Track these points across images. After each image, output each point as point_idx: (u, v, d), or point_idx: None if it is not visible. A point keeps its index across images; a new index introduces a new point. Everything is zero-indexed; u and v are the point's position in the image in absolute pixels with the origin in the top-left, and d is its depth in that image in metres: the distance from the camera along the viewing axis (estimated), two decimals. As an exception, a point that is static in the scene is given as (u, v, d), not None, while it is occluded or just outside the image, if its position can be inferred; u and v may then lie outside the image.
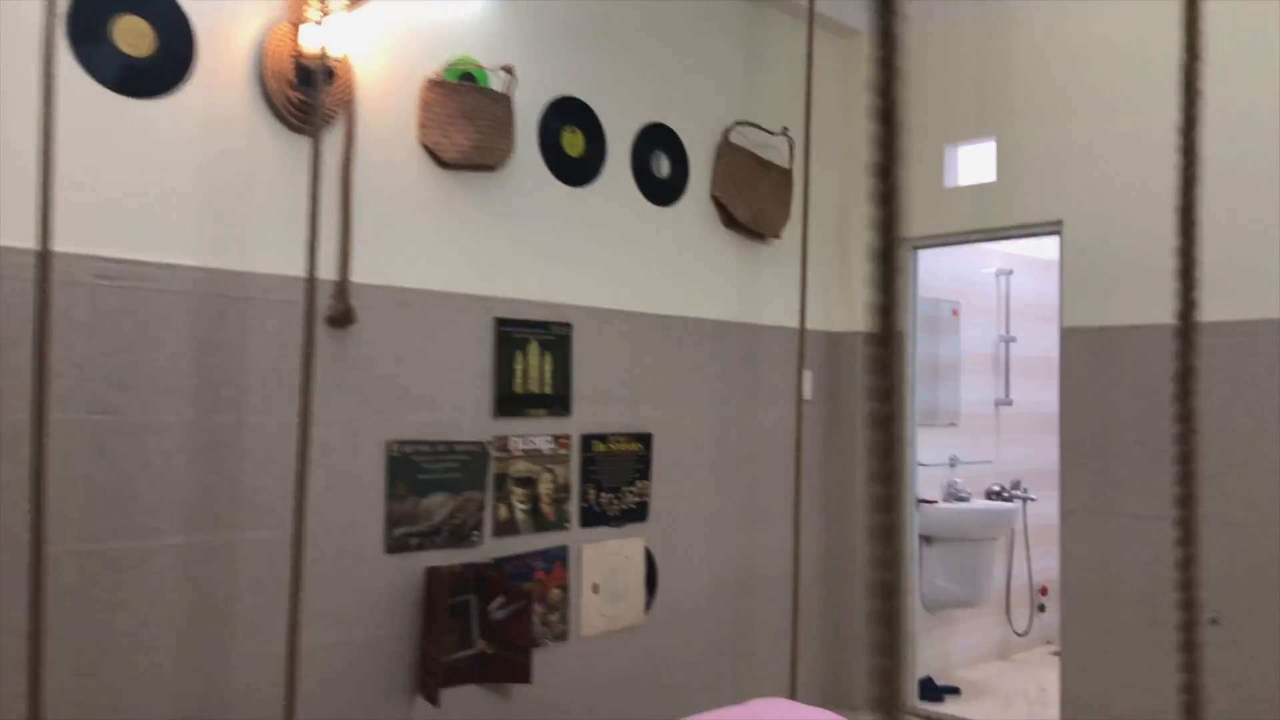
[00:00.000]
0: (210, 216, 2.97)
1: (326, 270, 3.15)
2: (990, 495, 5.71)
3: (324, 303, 3.15)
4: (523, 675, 3.60)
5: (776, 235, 4.67)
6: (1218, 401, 3.98)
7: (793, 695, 4.12)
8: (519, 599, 3.59)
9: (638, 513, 4.08)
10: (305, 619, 3.08)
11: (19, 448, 2.58)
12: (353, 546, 3.24)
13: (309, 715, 3.13)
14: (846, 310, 5.04)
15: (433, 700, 3.35)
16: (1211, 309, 3.97)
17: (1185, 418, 0.93)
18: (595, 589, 3.92)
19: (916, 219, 4.81)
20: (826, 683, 4.89)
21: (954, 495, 5.46)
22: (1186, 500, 0.98)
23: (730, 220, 4.50)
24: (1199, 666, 0.91)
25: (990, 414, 5.78)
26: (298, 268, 2.89)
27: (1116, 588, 4.19)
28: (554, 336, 3.80)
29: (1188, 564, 0.94)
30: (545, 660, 3.73)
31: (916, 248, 4.94)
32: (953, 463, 5.51)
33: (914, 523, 4.92)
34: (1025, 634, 5.97)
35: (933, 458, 5.38)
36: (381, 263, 3.32)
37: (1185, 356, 0.95)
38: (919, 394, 5.21)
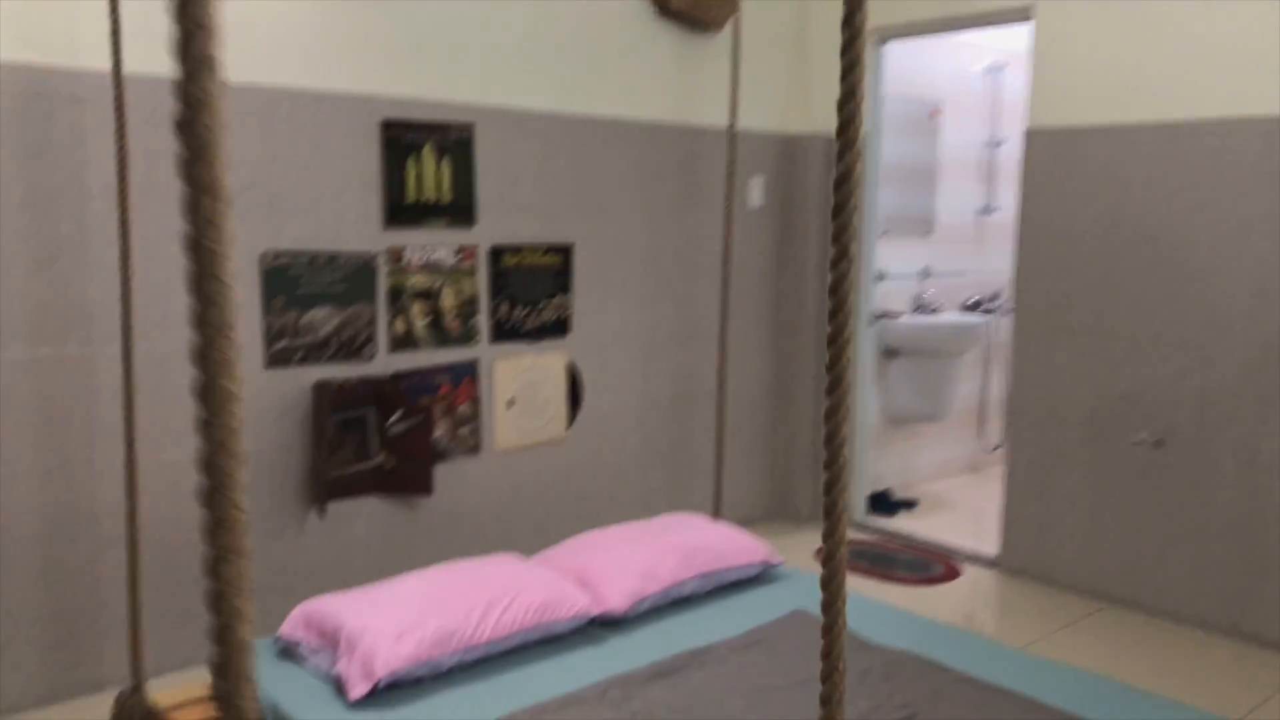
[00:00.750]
0: (29, 2, 2.77)
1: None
2: (967, 308, 5.49)
3: (170, 104, 2.96)
4: (423, 487, 3.62)
5: (720, 26, 4.29)
6: (1179, 211, 3.67)
7: (716, 513, 4.11)
8: (417, 413, 3.56)
9: (557, 328, 3.97)
10: (182, 431, 3.08)
11: None
12: (229, 361, 3.19)
13: (192, 522, 3.17)
14: (804, 111, 4.70)
15: (320, 512, 3.38)
16: (1182, 106, 3.61)
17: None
18: (510, 404, 3.87)
19: (881, 6, 4.39)
20: (771, 498, 4.89)
21: (923, 308, 5.26)
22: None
23: (665, 8, 4.14)
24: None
25: (971, 223, 5.47)
26: (135, 63, 2.71)
27: (1066, 407, 4.04)
28: (453, 140, 3.59)
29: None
30: (456, 473, 3.74)
31: (883, 39, 4.53)
32: (925, 274, 5.28)
33: (863, 337, 4.74)
34: (999, 449, 5.88)
35: (902, 268, 5.14)
36: (242, 57, 3.11)
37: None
38: (889, 201, 4.92)
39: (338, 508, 3.47)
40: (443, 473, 3.71)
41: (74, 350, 2.91)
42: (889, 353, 5.18)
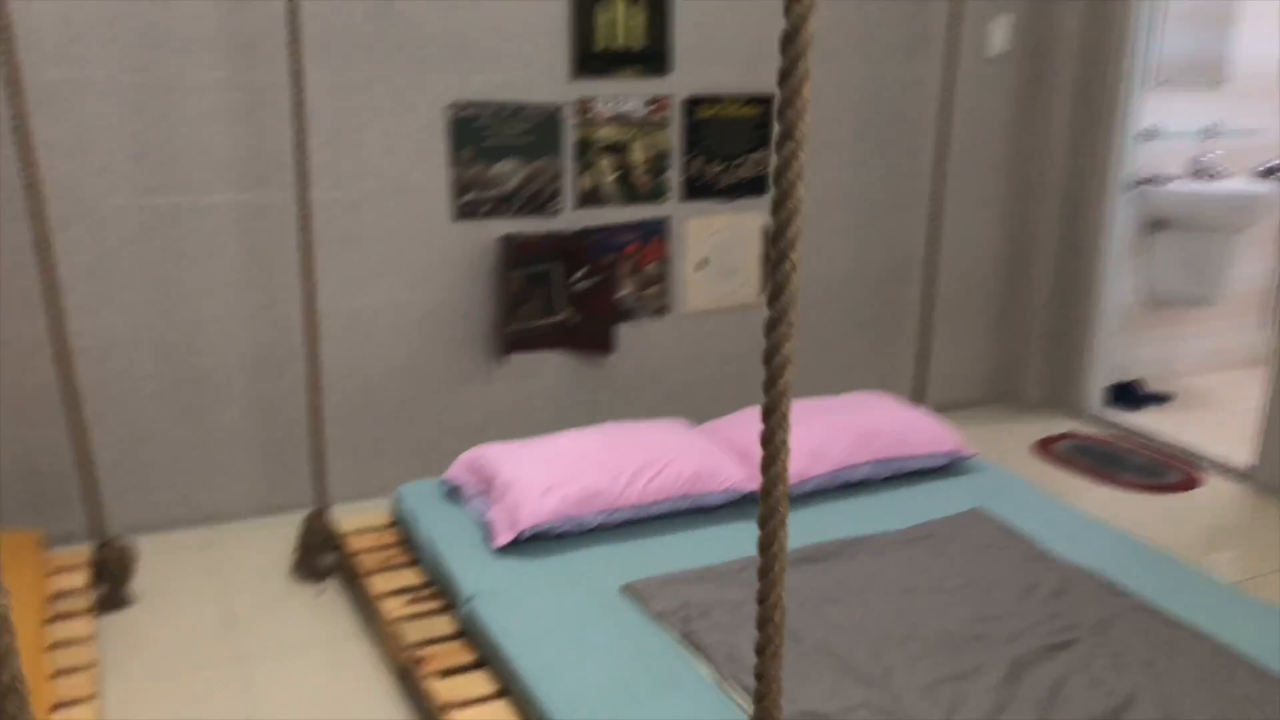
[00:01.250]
0: None
1: (354, -87, 2.97)
2: (1260, 174, 4.72)
3: (355, -49, 3.00)
4: (604, 346, 3.65)
5: None
6: None
7: (918, 394, 3.88)
8: (601, 271, 3.56)
9: (755, 186, 3.80)
10: (373, 278, 3.26)
11: (62, 108, 2.80)
12: (417, 211, 3.31)
13: (385, 366, 3.39)
14: (1070, -63, 4.08)
15: (499, 363, 3.48)
16: None
17: None
18: (701, 265, 3.79)
19: None
20: (995, 382, 4.55)
21: (1203, 172, 4.57)
22: None
23: None
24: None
25: (1275, 72, 4.63)
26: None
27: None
28: (648, -18, 3.42)
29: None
30: (642, 333, 3.74)
31: None
32: (1210, 133, 4.56)
33: (1117, 204, 4.19)
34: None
35: (1181, 125, 4.48)
36: (426, -99, 3.07)
37: None
38: (1173, 44, 4.26)
39: (523, 360, 3.58)
40: (627, 332, 3.72)
41: (275, 196, 3.11)
42: (1155, 224, 4.57)
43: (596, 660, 2.15)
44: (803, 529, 2.78)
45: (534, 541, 2.65)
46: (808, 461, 2.96)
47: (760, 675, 0.87)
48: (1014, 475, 3.19)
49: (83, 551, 2.81)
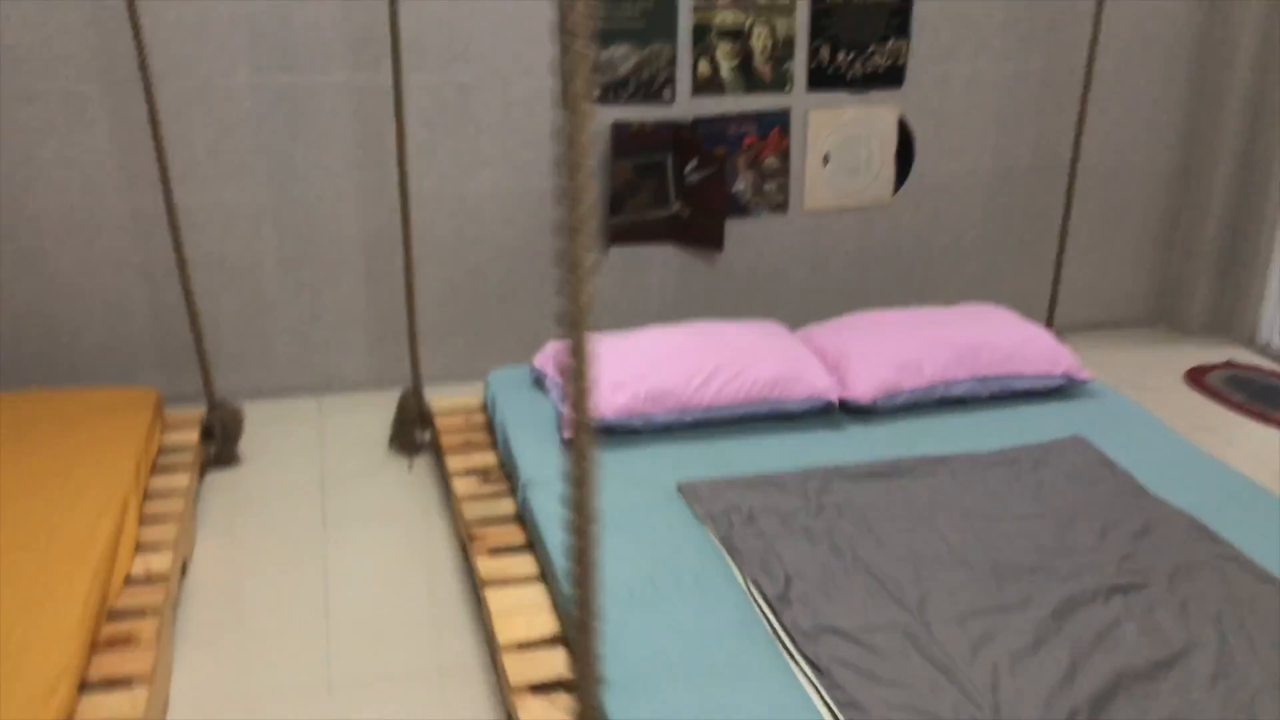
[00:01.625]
0: None
1: None
2: None
3: None
4: (714, 241, 3.59)
5: None
6: None
7: (1050, 310, 3.64)
8: (713, 163, 3.48)
9: (889, 77, 3.59)
10: (480, 164, 3.31)
11: (180, -13, 2.95)
12: (525, 94, 3.32)
13: (492, 252, 3.47)
14: None
15: (601, 254, 3.49)
16: None
17: None
18: (825, 160, 3.64)
19: None
20: (1156, 301, 4.20)
21: None
22: None
23: None
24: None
25: None
26: None
27: None
28: None
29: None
30: (758, 230, 3.66)
31: None
32: None
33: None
34: None
35: None
36: None
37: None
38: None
39: (632, 253, 3.58)
40: (742, 229, 3.64)
41: (387, 79, 3.18)
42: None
43: (632, 555, 2.19)
44: (885, 444, 2.70)
45: (603, 435, 2.69)
46: (900, 374, 2.85)
47: (579, 583, 0.85)
48: (1134, 404, 2.97)
49: (198, 412, 3.06)
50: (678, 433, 2.73)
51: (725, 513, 2.33)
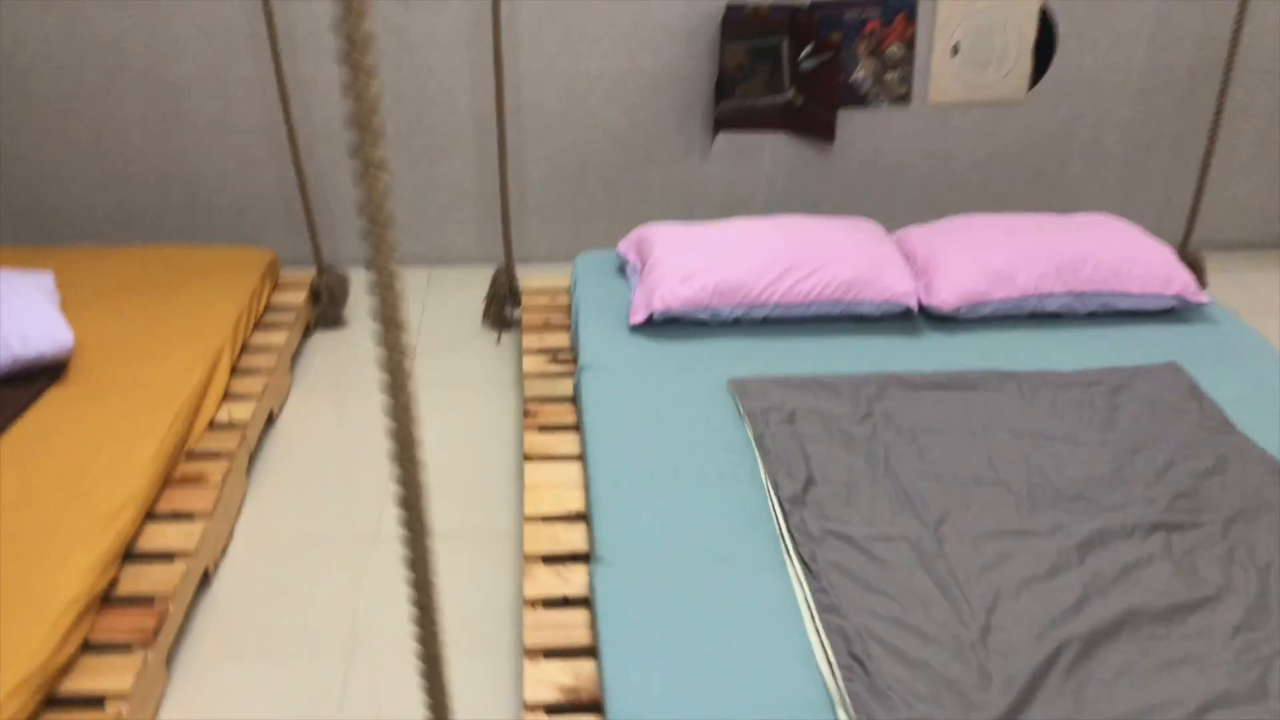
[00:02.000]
0: None
1: None
2: None
3: None
4: (825, 132, 3.48)
5: None
6: None
7: (1188, 232, 3.35)
8: (828, 49, 3.35)
9: (1033, -41, 3.31)
10: (592, 42, 3.31)
11: None
12: (635, -26, 3.26)
13: (601, 133, 3.48)
14: None
15: (709, 140, 3.44)
16: None
17: None
18: (955, 50, 3.43)
19: None
20: (1332, 217, 3.79)
21: None
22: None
23: None
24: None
25: None
26: None
27: None
28: None
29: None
30: (878, 123, 3.52)
31: None
32: None
33: None
34: None
35: None
36: None
37: None
38: None
39: (743, 141, 3.51)
40: (860, 121, 3.50)
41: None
42: None
43: (664, 446, 2.23)
44: (962, 355, 2.61)
45: (670, 325, 2.72)
46: (990, 283, 2.73)
47: (407, 506, 0.90)
48: (1254, 334, 2.73)
49: (310, 274, 3.27)
50: (747, 329, 2.72)
51: (766, 411, 2.33)
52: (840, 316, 2.76)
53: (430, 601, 0.95)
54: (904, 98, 3.49)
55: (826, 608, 1.77)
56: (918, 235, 2.97)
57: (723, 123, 3.47)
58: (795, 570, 1.88)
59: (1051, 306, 2.77)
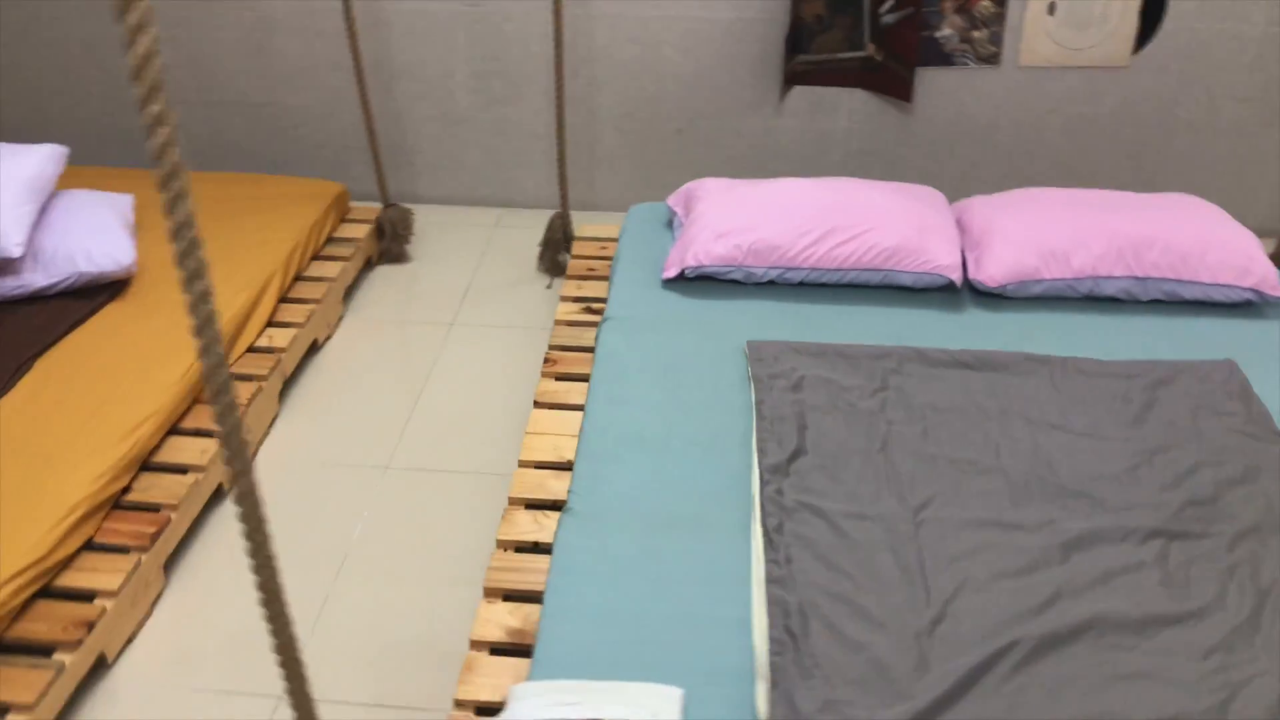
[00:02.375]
0: None
1: None
2: None
3: None
4: (903, 92, 3.36)
5: None
6: None
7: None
8: (910, 4, 3.21)
9: (1144, -88, 3.08)
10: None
11: None
12: (712, -81, 3.19)
13: (673, 82, 3.45)
14: None
15: (780, 95, 3.36)
16: None
17: None
18: (1051, 8, 3.24)
19: None
20: None
21: None
22: None
23: None
24: None
25: None
26: None
27: None
28: None
29: None
30: (963, 83, 3.37)
31: None
32: None
33: None
34: None
35: None
36: None
37: None
38: None
39: (822, 94, 3.42)
40: (944, 80, 3.36)
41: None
42: None
43: (664, 405, 2.24)
44: (1004, 334, 2.50)
45: (704, 283, 2.70)
46: (1043, 260, 2.60)
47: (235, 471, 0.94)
48: (1327, 333, 2.52)
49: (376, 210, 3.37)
50: (781, 292, 2.67)
51: (774, 376, 2.30)
52: (880, 286, 2.68)
53: (263, 538, 0.99)
54: (993, 58, 3.32)
55: (775, 579, 1.76)
56: (979, 205, 2.84)
57: (797, 76, 3.38)
58: (756, 539, 1.87)
59: (1109, 290, 2.62)
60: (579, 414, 2.37)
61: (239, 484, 0.97)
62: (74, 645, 1.79)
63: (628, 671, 1.61)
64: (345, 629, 2.06)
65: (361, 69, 3.08)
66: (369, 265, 3.32)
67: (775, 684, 1.56)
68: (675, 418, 2.20)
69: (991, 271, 2.61)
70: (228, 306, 2.59)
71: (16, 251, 2.51)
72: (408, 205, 3.58)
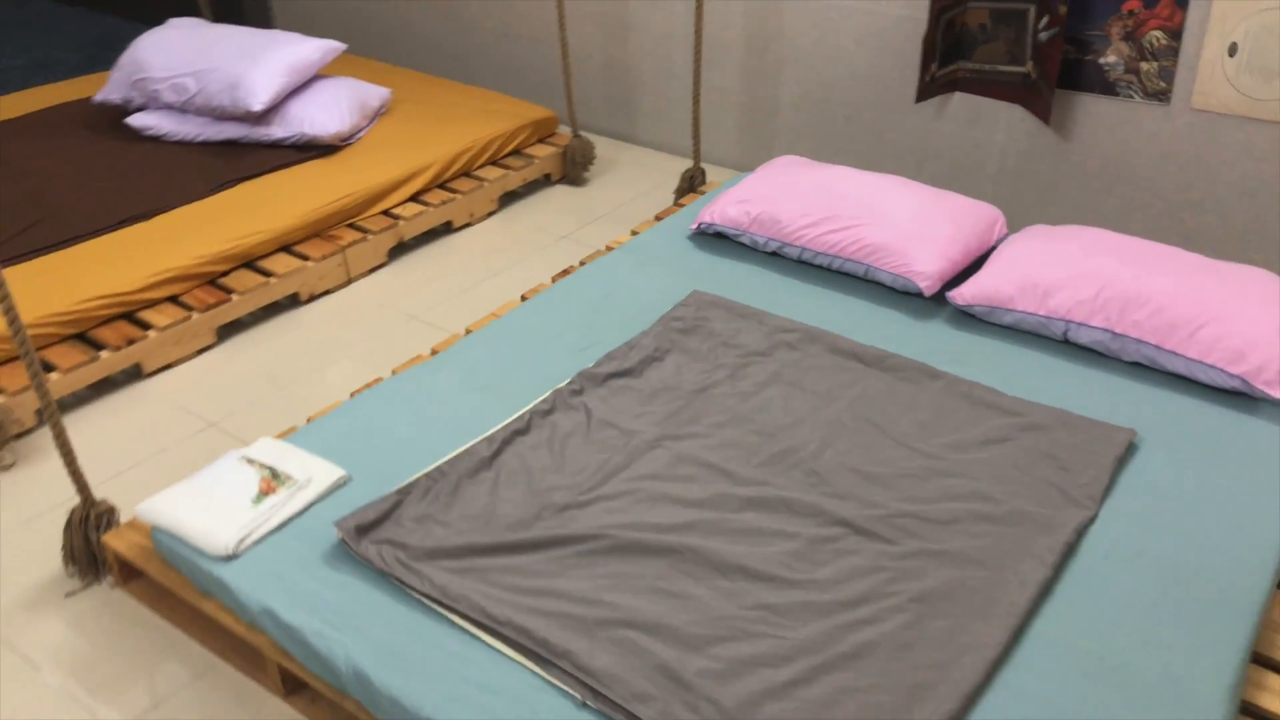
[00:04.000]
0: None
1: None
2: None
3: None
4: (1041, 110, 3.27)
5: None
6: None
7: None
8: (1058, 23, 3.13)
9: (1347, -47, 2.72)
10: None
11: None
12: (889, -82, 3.35)
13: (845, 71, 3.66)
14: None
15: (917, 98, 3.42)
16: None
17: None
18: (1231, 50, 2.97)
19: None
20: None
21: None
22: None
23: None
24: None
25: None
26: None
27: None
28: None
29: None
30: (1125, 117, 3.20)
31: None
32: None
33: None
34: None
35: None
36: None
37: None
38: None
39: (983, 105, 3.43)
40: (1105, 111, 3.20)
41: (777, -116, 3.50)
42: None
43: (568, 330, 2.63)
44: (946, 349, 2.52)
45: (723, 243, 3.01)
46: (1017, 291, 2.56)
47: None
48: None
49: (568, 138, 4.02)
50: (780, 265, 2.90)
51: (679, 319, 2.60)
52: (865, 280, 2.80)
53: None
54: (1161, 95, 3.10)
55: (489, 439, 2.16)
56: (1029, 233, 2.79)
57: (954, 83, 3.41)
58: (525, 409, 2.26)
59: (1084, 339, 2.50)
60: (543, 314, 2.85)
61: None
62: (116, 348, 2.72)
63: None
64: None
65: (564, 22, 3.69)
66: (548, 181, 3.98)
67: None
68: (569, 340, 2.57)
69: (964, 290, 2.62)
70: (378, 176, 3.40)
71: (258, 107, 3.52)
72: (592, 137, 4.18)
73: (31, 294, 2.74)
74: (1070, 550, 1.94)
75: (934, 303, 2.72)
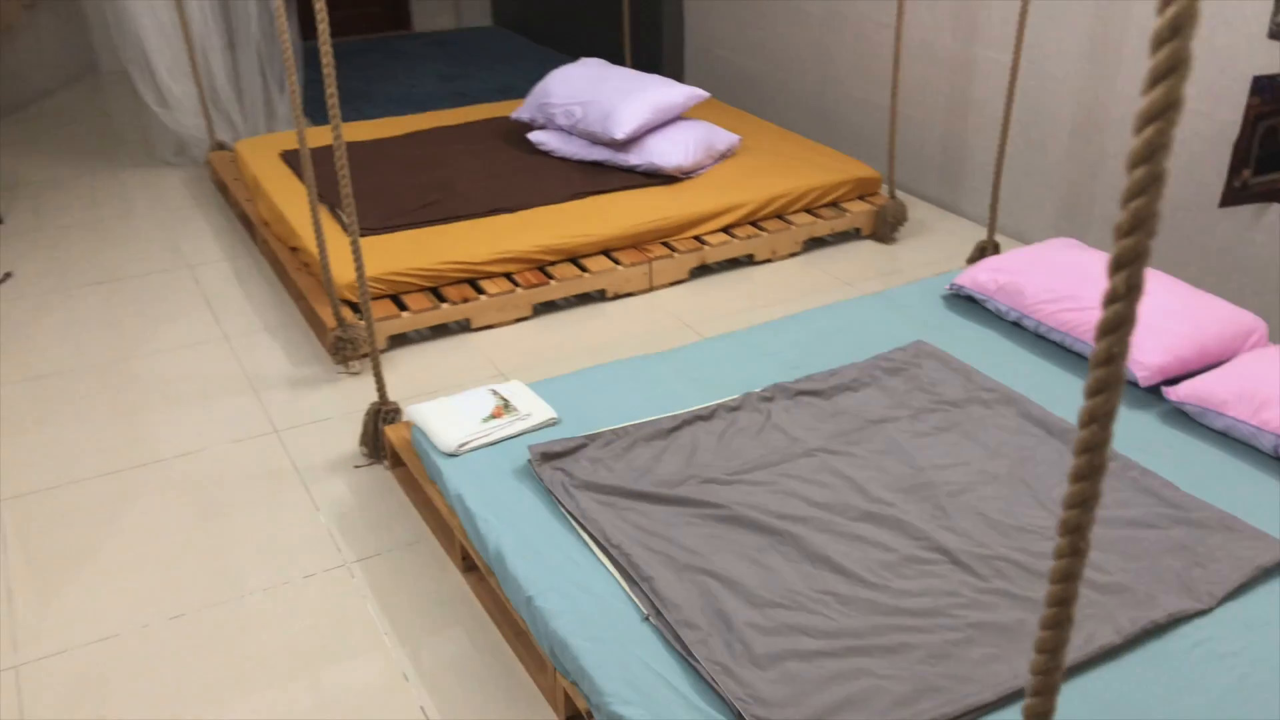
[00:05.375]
0: None
1: None
2: None
3: None
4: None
5: None
6: None
7: None
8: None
9: None
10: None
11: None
12: (1234, 21, 3.33)
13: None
14: None
15: (1221, 203, 3.33)
16: None
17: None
18: None
19: None
20: None
21: None
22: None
23: None
24: None
25: None
26: None
27: None
28: None
29: None
30: None
31: None
32: None
33: None
34: None
35: None
36: None
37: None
38: None
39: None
40: None
41: (1121, -20, 3.60)
42: None
43: (804, 352, 2.98)
44: (1151, 441, 2.56)
45: (978, 310, 3.19)
46: (1228, 395, 2.53)
47: None
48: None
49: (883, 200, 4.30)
50: (1021, 335, 3.03)
51: (888, 360, 2.85)
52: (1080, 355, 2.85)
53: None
54: None
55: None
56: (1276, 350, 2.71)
57: (1268, 192, 3.29)
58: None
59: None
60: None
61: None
62: (454, 303, 3.47)
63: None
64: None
65: (897, 91, 4.02)
66: (857, 235, 4.30)
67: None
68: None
69: (1180, 387, 2.62)
70: (697, 206, 3.94)
71: (620, 135, 4.19)
72: (915, 201, 4.40)
73: (411, 251, 3.56)
74: (1157, 630, 1.98)
75: (1152, 395, 2.72)
